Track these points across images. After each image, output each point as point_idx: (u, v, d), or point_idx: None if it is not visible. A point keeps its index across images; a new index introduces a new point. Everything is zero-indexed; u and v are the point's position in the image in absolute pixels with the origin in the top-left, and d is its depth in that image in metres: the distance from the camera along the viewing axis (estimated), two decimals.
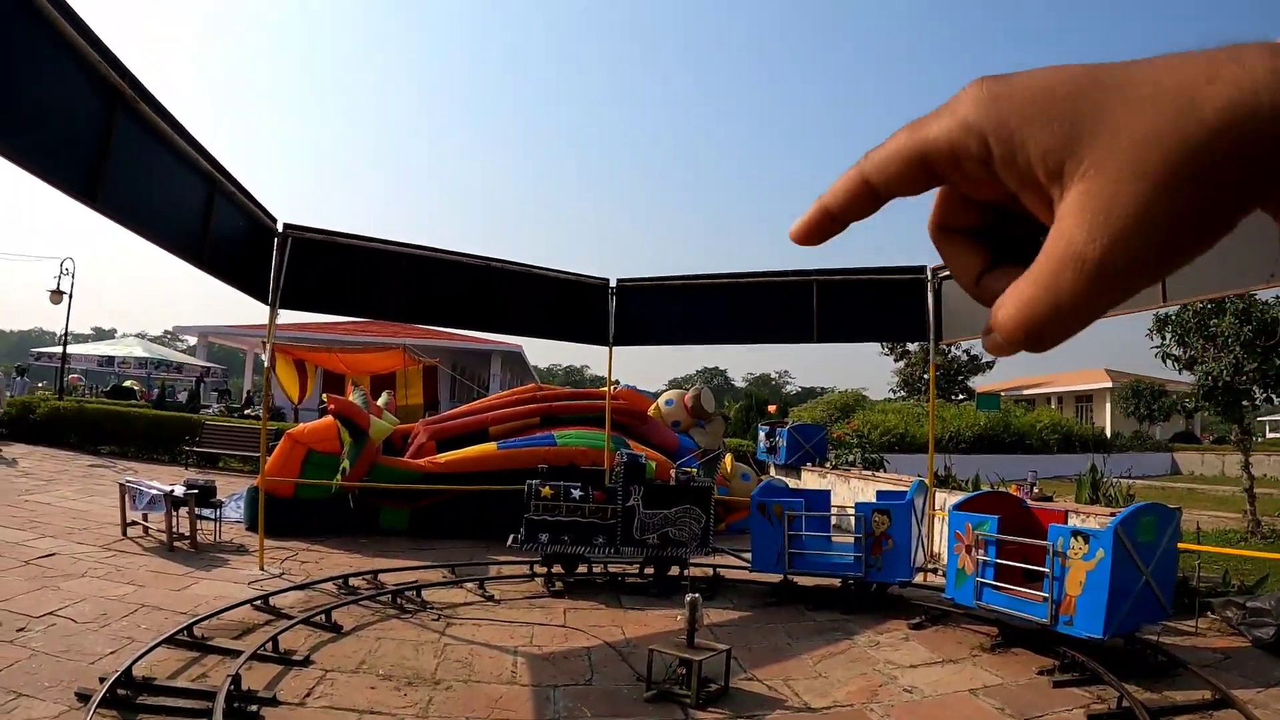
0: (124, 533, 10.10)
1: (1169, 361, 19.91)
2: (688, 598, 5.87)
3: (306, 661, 6.20)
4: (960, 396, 43.49)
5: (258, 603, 7.48)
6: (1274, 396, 19.06)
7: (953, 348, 44.64)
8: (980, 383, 47.88)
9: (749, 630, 7.60)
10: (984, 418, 29.46)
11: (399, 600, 8.07)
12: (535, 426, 13.53)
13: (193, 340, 45.36)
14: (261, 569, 9.10)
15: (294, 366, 24.92)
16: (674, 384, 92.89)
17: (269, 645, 6.22)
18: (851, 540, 8.82)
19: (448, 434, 13.07)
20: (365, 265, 9.99)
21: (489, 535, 11.41)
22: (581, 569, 9.55)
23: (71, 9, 4.87)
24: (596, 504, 9.13)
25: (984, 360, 46.19)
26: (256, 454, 17.35)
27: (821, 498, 9.76)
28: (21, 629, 6.38)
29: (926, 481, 9.86)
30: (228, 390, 33.09)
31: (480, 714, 5.37)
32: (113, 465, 16.91)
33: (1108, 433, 37.76)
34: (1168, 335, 19.56)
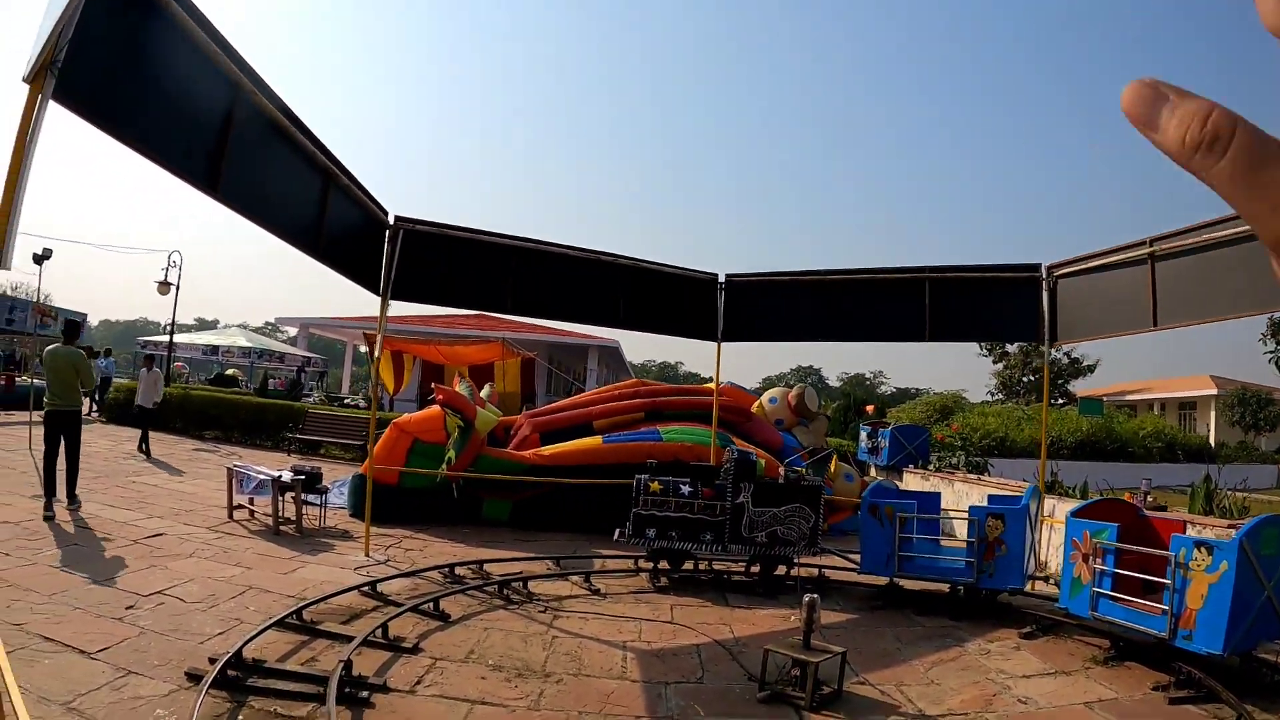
0: (230, 515, 10.16)
1: None
2: (805, 598, 5.66)
3: (415, 649, 6.04)
4: (1060, 401, 41.83)
5: (365, 589, 7.34)
6: None
7: (1054, 350, 43.09)
8: (1081, 386, 46.01)
9: (857, 633, 7.24)
10: (1086, 423, 28.41)
11: (505, 591, 7.90)
12: (639, 421, 13.24)
13: (292, 331, 46.76)
14: (367, 555, 8.99)
15: (392, 358, 25.22)
16: (768, 382, 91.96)
17: (378, 632, 6.07)
18: (961, 545, 8.62)
19: (552, 427, 12.88)
20: (475, 258, 9.84)
21: (591, 529, 11.31)
22: (686, 565, 9.27)
23: (192, 3, 4.87)
24: (705, 500, 8.86)
25: (1085, 364, 44.37)
26: (358, 442, 17.71)
27: (931, 501, 9.38)
28: (130, 606, 6.32)
29: (1039, 487, 9.28)
30: (324, 375, 33.82)
31: (592, 709, 5.18)
32: (217, 450, 17.28)
33: (1211, 442, 35.86)
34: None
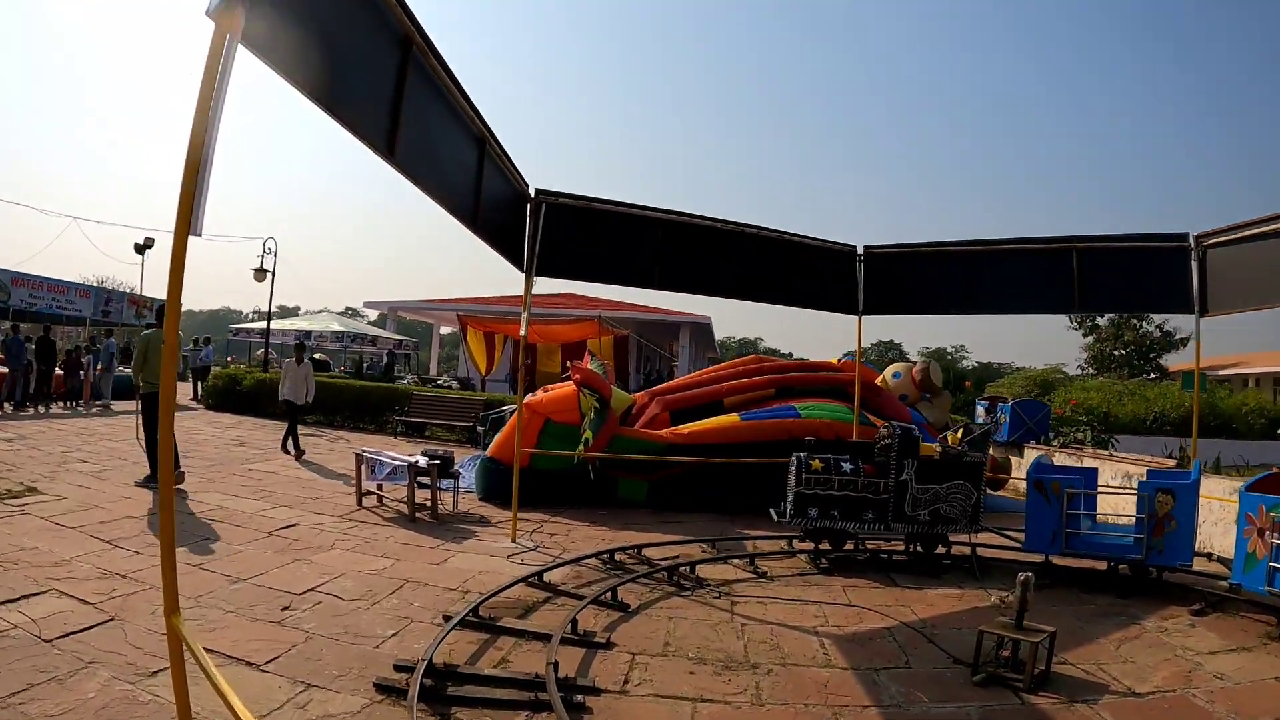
0: (359, 502, 9.72)
1: None
2: (1020, 577, 5.36)
3: (609, 644, 5.52)
4: (1153, 375, 40.06)
5: (532, 579, 6.80)
6: None
7: (1143, 323, 41.06)
8: (1173, 361, 43.84)
9: (1035, 613, 6.50)
10: (1189, 398, 26.96)
11: (675, 577, 7.36)
12: (770, 399, 12.61)
13: (374, 315, 46.90)
14: (514, 541, 8.50)
15: (484, 338, 24.86)
16: (849, 355, 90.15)
17: (569, 628, 5.54)
18: (1116, 521, 8.62)
19: (681, 405, 12.27)
20: (619, 231, 9.32)
21: (732, 509, 10.84)
22: (846, 546, 8.77)
23: None
24: (868, 478, 8.37)
25: (1178, 336, 42.17)
26: (464, 423, 17.28)
27: (1089, 477, 8.76)
28: (286, 608, 5.82)
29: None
30: (409, 358, 33.55)
31: (814, 699, 4.82)
32: (323, 434, 16.99)
33: None
34: None
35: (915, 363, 15.19)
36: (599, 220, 9.10)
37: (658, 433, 11.22)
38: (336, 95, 4.37)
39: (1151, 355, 42.49)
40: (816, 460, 8.43)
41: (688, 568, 7.60)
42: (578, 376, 10.78)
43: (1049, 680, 5.22)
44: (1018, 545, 8.88)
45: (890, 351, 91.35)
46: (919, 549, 8.63)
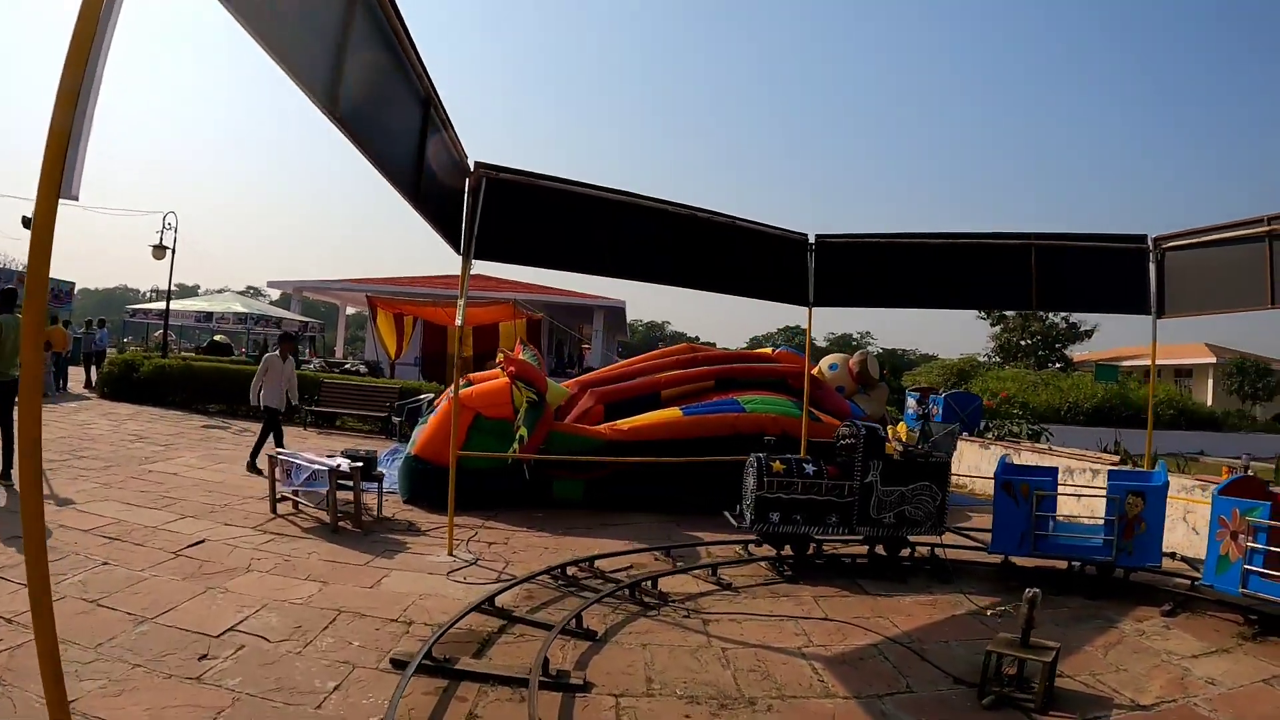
0: (274, 509, 8.59)
1: None
2: (1027, 592, 5.12)
3: (585, 686, 4.76)
4: (1058, 365, 40.98)
5: (485, 606, 5.89)
6: None
7: (1049, 315, 41.85)
8: (1078, 351, 44.94)
9: (1007, 620, 6.43)
10: (1101, 389, 27.99)
11: (637, 593, 6.60)
12: (709, 391, 11.91)
13: (275, 295, 44.62)
14: (450, 554, 7.55)
15: (393, 320, 23.65)
16: (755, 342, 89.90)
17: (542, 668, 4.72)
18: (1081, 521, 8.62)
19: (616, 397, 11.44)
20: (566, 213, 8.38)
21: (674, 508, 10.20)
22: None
23: None
24: (831, 480, 7.85)
25: (1083, 329, 43.17)
26: (380, 414, 16.07)
27: (1048, 475, 8.41)
28: (204, 655, 4.73)
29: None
30: (314, 340, 31.65)
31: None
32: (228, 426, 15.47)
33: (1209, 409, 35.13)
34: None
35: (851, 354, 14.68)
36: (545, 200, 8.13)
37: (596, 429, 10.39)
38: (282, 38, 3.61)
39: (1057, 346, 43.25)
40: (778, 462, 7.87)
41: (649, 582, 6.85)
42: (511, 369, 9.86)
43: (1055, 697, 4.96)
44: (979, 545, 8.82)
45: (796, 337, 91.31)
46: (882, 552, 8.21)
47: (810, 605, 6.81)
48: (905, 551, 8.27)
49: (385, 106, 5.32)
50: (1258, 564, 6.47)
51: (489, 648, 5.28)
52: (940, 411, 15.43)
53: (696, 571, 7.49)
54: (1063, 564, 7.96)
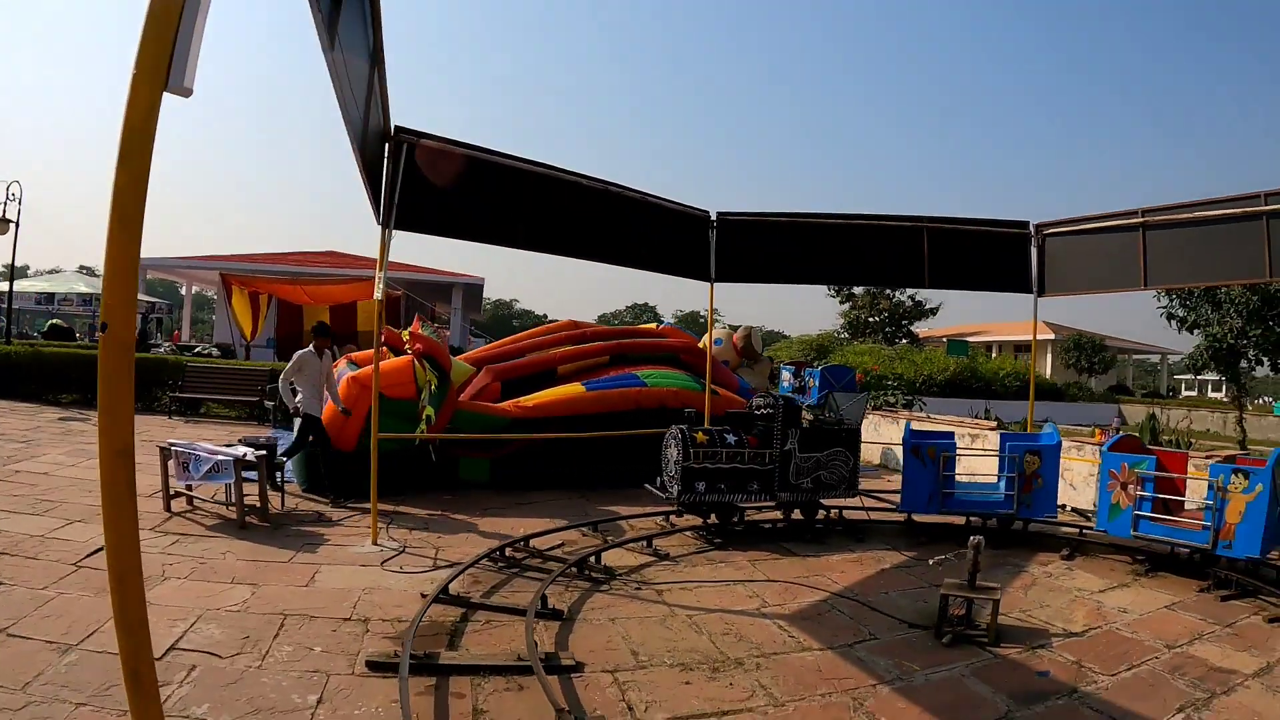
0: (167, 507, 7.72)
1: (1172, 322, 19.80)
2: (972, 540, 5.52)
3: (577, 666, 4.57)
4: (904, 340, 42.51)
5: (442, 596, 5.45)
6: (1271, 360, 19.39)
7: (897, 293, 43.43)
8: (922, 328, 46.89)
9: (928, 569, 6.66)
10: (953, 363, 29.78)
11: (585, 570, 6.42)
12: (604, 366, 11.62)
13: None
14: (375, 544, 7.01)
15: (249, 299, 22.18)
16: (603, 319, 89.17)
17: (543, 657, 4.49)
18: (986, 479, 9.06)
19: (513, 374, 10.98)
20: (487, 183, 7.92)
21: (581, 484, 10.01)
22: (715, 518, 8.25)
23: None
24: (753, 450, 7.95)
25: (928, 306, 45.07)
26: (249, 398, 14.88)
27: (949, 439, 8.85)
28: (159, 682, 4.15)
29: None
30: (160, 322, 29.09)
31: (824, 688, 4.46)
32: (85, 417, 13.97)
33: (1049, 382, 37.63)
34: (1174, 297, 19.38)
35: (736, 329, 14.72)
36: (466, 168, 7.65)
37: (501, 406, 9.94)
38: None
39: (904, 323, 44.85)
40: (700, 433, 7.88)
41: (593, 558, 6.62)
42: (418, 346, 9.29)
43: (1000, 633, 5.31)
44: (887, 506, 9.17)
45: (644, 314, 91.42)
46: (798, 516, 8.40)
47: (749, 569, 6.87)
48: (820, 515, 8.50)
49: (352, 54, 4.91)
50: (1146, 510, 7.11)
51: (459, 638, 4.93)
52: (816, 384, 15.63)
53: (630, 545, 7.39)
54: (959, 520, 8.35)
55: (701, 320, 76.31)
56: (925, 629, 5.42)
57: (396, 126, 7.01)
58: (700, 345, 13.11)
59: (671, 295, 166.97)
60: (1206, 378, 66.64)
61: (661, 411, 10.30)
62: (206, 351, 22.58)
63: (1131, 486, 7.20)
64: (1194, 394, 59.82)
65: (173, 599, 5.35)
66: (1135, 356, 59.40)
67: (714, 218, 10.08)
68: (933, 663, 4.87)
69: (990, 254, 10.29)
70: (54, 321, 23.91)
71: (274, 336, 23.30)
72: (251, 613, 5.19)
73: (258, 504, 7.70)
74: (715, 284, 10.25)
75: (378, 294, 7.11)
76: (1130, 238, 9.20)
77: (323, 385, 8.84)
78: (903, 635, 5.36)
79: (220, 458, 7.33)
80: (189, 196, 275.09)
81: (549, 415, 9.98)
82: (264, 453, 7.72)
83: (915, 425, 13.11)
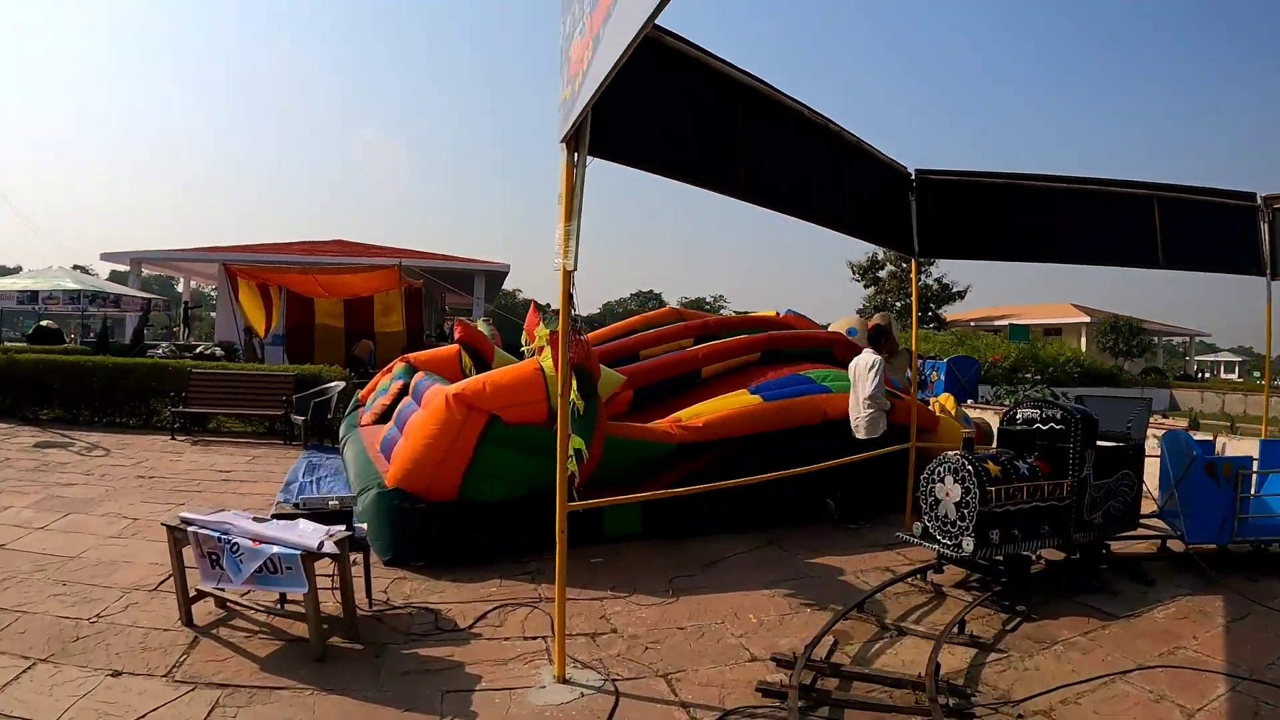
0: (187, 619, 4.45)
1: None
2: None
3: None
4: (932, 325, 39.14)
5: None
6: None
7: (924, 276, 40.12)
8: (950, 311, 43.53)
9: None
10: (1015, 349, 27.48)
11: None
12: (754, 366, 8.61)
13: (107, 274, 37.05)
14: (561, 679, 3.90)
15: (258, 292, 18.64)
16: (608, 308, 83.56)
17: None
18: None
19: (646, 380, 7.85)
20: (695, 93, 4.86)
21: (756, 523, 6.98)
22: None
23: None
24: (1046, 479, 5.46)
25: (955, 289, 41.66)
26: (268, 411, 11.28)
27: (1241, 457, 6.48)
28: None
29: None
30: (146, 318, 25.12)
31: None
32: (70, 440, 10.47)
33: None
34: None
35: (870, 317, 11.55)
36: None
37: (660, 428, 6.73)
38: None
39: (931, 307, 41.56)
40: (992, 462, 5.27)
41: (934, 678, 3.79)
42: (577, 354, 6.00)
43: None
44: (1163, 536, 6.66)
45: (650, 301, 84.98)
46: (1075, 559, 5.92)
47: (1095, 649, 4.53)
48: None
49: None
50: None
51: None
52: (941, 378, 12.65)
53: (920, 628, 4.73)
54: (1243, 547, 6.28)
55: (707, 307, 72.46)
56: None
57: None
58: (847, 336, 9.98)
59: (676, 284, 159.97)
60: (1221, 358, 64.49)
61: (847, 424, 7.24)
62: (209, 351, 19.06)
63: None
64: (1206, 376, 56.34)
65: None
66: (1164, 339, 55.65)
67: (913, 176, 7.13)
68: None
69: (1218, 229, 7.83)
70: (44, 323, 20.13)
71: (282, 333, 19.78)
72: None
73: (336, 608, 4.40)
74: (919, 259, 7.41)
75: (569, 261, 3.78)
76: None
77: None
78: None
79: (278, 550, 4.01)
80: (182, 189, 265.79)
81: (724, 436, 6.90)
82: (344, 528, 4.42)
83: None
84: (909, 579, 5.67)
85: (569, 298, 3.80)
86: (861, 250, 44.40)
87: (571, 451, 5.56)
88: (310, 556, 4.02)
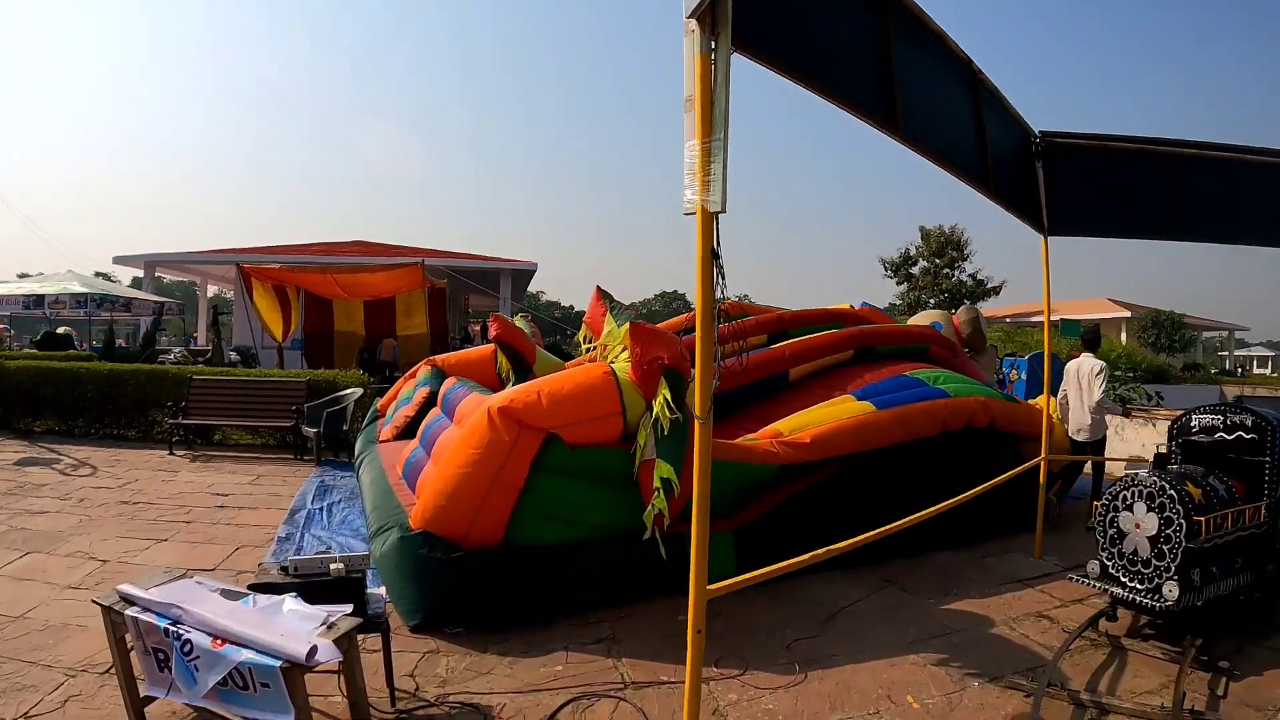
0: None
1: None
2: None
3: None
4: None
5: None
6: None
7: (957, 272, 38.18)
8: (986, 307, 41.52)
9: None
10: (1067, 344, 25.44)
11: None
12: (846, 365, 7.15)
13: (126, 278, 35.73)
14: None
15: (275, 294, 17.17)
16: (634, 309, 78.62)
17: None
18: None
19: (726, 385, 6.28)
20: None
21: (863, 557, 4.98)
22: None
23: None
24: (1244, 504, 4.31)
25: (990, 285, 39.70)
26: (276, 422, 9.60)
27: None
28: None
29: None
30: (163, 329, 23.59)
31: None
32: (57, 456, 9.10)
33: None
34: None
35: (954, 311, 10.08)
36: None
37: (761, 446, 5.18)
38: None
39: (967, 302, 39.81)
40: (1192, 484, 4.17)
41: None
42: (664, 359, 4.46)
43: None
44: None
45: (675, 302, 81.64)
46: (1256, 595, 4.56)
47: None
48: None
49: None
50: None
51: None
52: (1023, 377, 11.14)
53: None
54: None
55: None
56: None
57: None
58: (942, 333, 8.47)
59: (661, 278, 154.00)
60: (1253, 353, 61.96)
61: (969, 432, 5.82)
62: (229, 356, 17.67)
63: None
64: (1241, 371, 53.72)
65: None
66: (1205, 334, 53.16)
67: (1038, 138, 5.65)
68: None
69: None
70: (62, 329, 18.79)
71: (300, 337, 18.31)
72: None
73: (343, 708, 2.95)
74: (1050, 237, 5.86)
75: (699, 193, 2.27)
76: None
77: None
78: None
79: (247, 659, 2.52)
80: (208, 196, 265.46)
81: (838, 454, 5.42)
82: (353, 612, 2.92)
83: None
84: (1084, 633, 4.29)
85: (712, 260, 2.33)
86: (891, 246, 42.39)
87: (658, 483, 4.11)
88: (297, 669, 2.53)
